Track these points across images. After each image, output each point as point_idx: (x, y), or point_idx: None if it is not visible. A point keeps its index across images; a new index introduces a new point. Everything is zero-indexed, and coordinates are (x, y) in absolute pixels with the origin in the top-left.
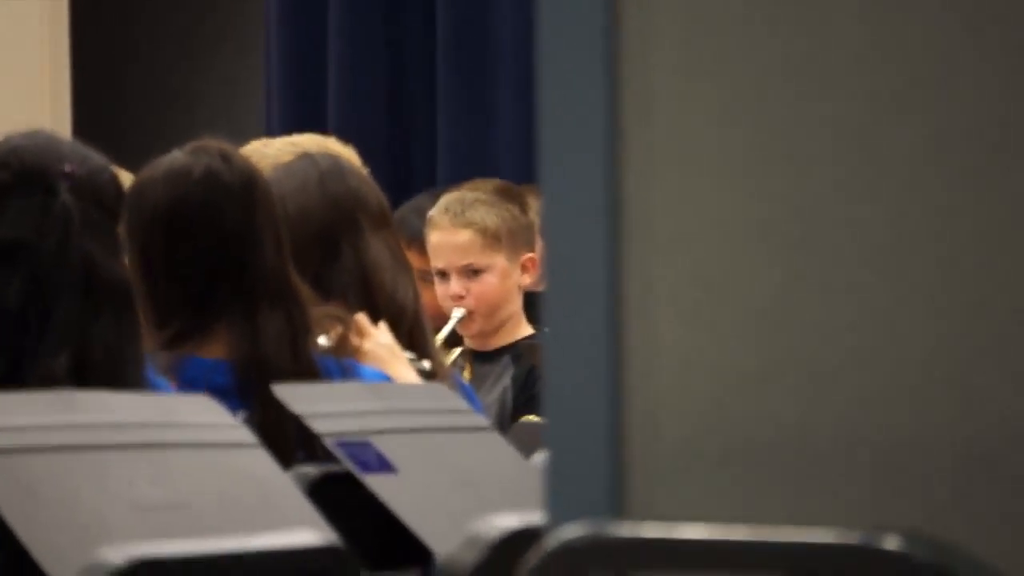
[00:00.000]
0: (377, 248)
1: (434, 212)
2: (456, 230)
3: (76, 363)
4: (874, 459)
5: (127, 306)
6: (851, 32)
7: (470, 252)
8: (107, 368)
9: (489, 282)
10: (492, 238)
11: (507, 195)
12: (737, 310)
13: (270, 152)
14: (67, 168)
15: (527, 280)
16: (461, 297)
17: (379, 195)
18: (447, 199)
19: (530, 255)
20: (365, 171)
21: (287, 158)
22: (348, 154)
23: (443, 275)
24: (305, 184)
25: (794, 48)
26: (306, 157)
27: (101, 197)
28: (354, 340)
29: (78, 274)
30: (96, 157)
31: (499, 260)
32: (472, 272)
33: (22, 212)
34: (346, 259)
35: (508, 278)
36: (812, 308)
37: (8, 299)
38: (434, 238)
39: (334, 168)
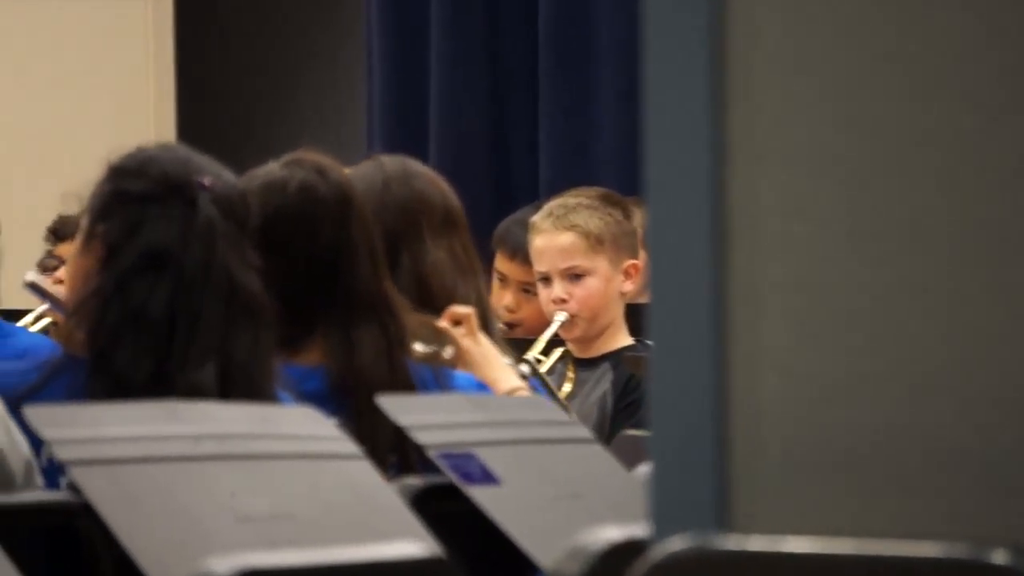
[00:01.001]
0: (437, 253)
1: (537, 217)
2: (559, 233)
3: (221, 376)
4: (980, 469)
5: (263, 319)
6: (964, 29)
7: (573, 255)
8: (247, 381)
9: (591, 286)
10: (595, 241)
11: (610, 201)
12: (843, 317)
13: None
14: (207, 181)
15: (629, 287)
16: (563, 301)
17: (447, 198)
18: (550, 204)
19: (632, 262)
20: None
21: None
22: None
23: (546, 280)
24: (370, 189)
25: (903, 47)
26: (375, 162)
27: (236, 211)
28: (450, 350)
29: (221, 286)
30: (228, 172)
31: (601, 264)
32: (574, 276)
33: (165, 222)
34: (404, 264)
35: (610, 283)
36: (919, 315)
37: (153, 307)
38: (537, 242)
39: (400, 173)
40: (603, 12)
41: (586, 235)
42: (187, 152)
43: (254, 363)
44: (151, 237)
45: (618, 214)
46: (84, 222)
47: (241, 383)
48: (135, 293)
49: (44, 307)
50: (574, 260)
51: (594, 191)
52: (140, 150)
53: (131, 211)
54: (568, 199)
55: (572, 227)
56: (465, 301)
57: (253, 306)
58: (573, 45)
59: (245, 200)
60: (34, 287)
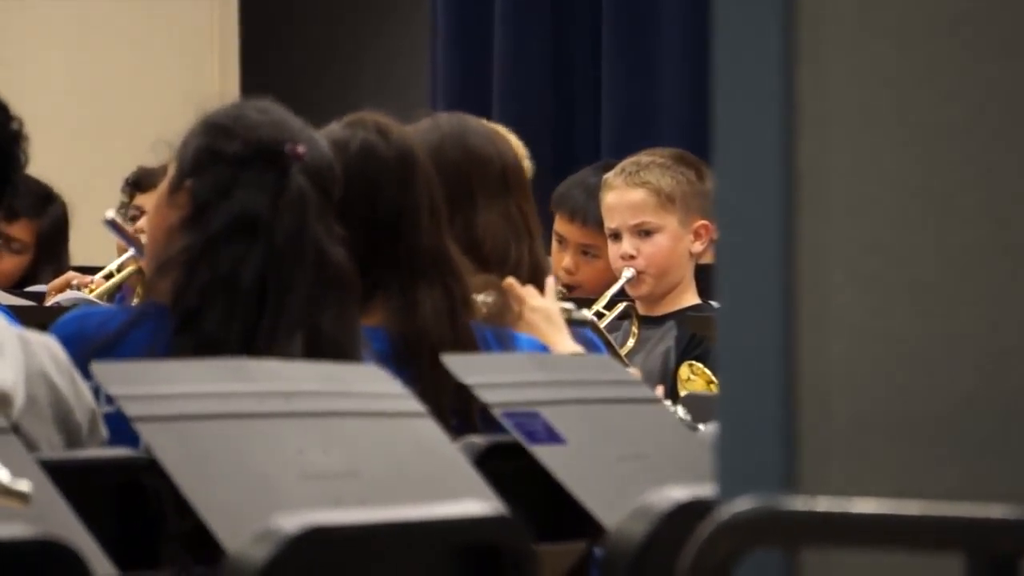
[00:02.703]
0: (491, 215)
1: (609, 175)
2: (630, 189)
3: (308, 345)
4: None
5: (351, 291)
6: None
7: (643, 211)
8: (335, 351)
9: (660, 243)
10: (666, 199)
11: (684, 161)
12: (913, 280)
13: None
14: (299, 149)
15: (699, 247)
16: (632, 257)
17: (505, 158)
18: (623, 163)
19: (703, 222)
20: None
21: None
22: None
23: (616, 236)
24: (424, 149)
25: (974, 10)
26: (431, 121)
27: (325, 182)
28: (514, 308)
29: (310, 258)
30: (319, 140)
31: (671, 222)
32: (644, 232)
33: (257, 188)
34: (456, 226)
35: (680, 242)
36: (990, 279)
37: (244, 275)
38: (609, 198)
39: (456, 132)
40: None
41: (657, 192)
42: (282, 115)
43: (342, 336)
44: (243, 202)
45: (691, 174)
46: (172, 170)
47: (329, 356)
48: (225, 258)
49: (124, 257)
50: (644, 216)
51: (668, 151)
52: (237, 106)
53: (223, 172)
54: (642, 157)
55: (643, 184)
56: (518, 263)
57: (341, 278)
58: (638, 6)
59: (333, 170)
60: (113, 224)
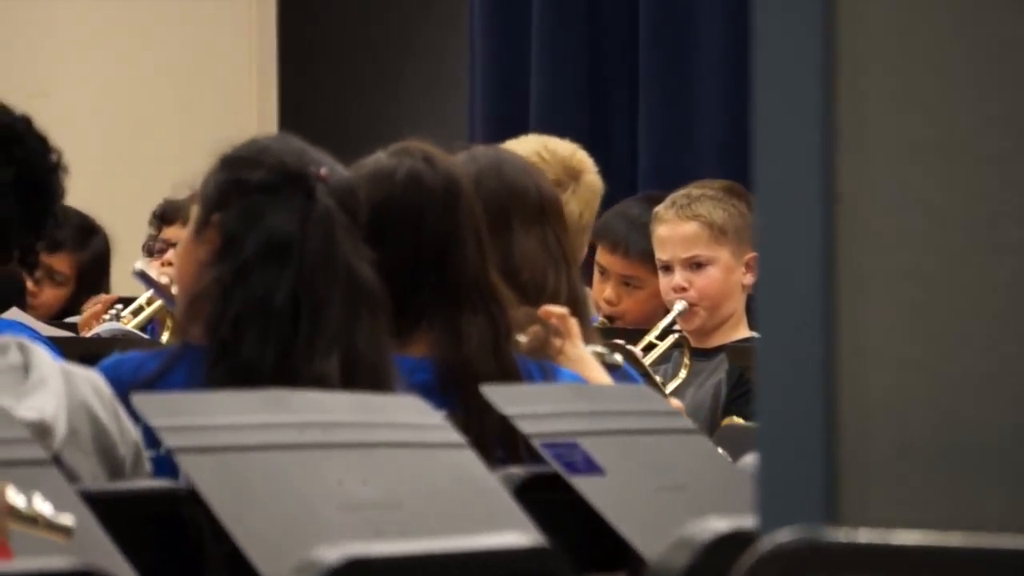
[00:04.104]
0: (529, 244)
1: (661, 207)
2: (682, 222)
3: (343, 366)
4: None
5: (381, 310)
6: None
7: (695, 244)
8: (370, 372)
9: (712, 276)
10: (718, 232)
11: (735, 193)
12: (954, 309)
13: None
14: (323, 172)
15: (750, 279)
16: (684, 289)
17: (542, 189)
18: (674, 195)
19: (755, 254)
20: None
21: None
22: (588, 166)
23: (667, 269)
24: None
25: (1017, 33)
26: (469, 154)
27: (349, 203)
28: (555, 342)
29: (341, 277)
30: (339, 165)
31: (723, 255)
32: (696, 265)
33: (285, 212)
34: (495, 255)
35: (731, 274)
36: None
37: (277, 297)
38: (660, 231)
39: (492, 164)
40: (706, 4)
41: (709, 225)
42: (300, 143)
43: (376, 354)
44: (272, 227)
45: (742, 206)
46: (196, 211)
47: (364, 374)
48: (257, 283)
49: (151, 293)
50: (696, 249)
51: (719, 183)
52: (254, 140)
53: (250, 200)
54: (692, 190)
55: (695, 217)
56: (556, 292)
57: (371, 297)
58: (675, 35)
59: (357, 193)
60: (143, 276)
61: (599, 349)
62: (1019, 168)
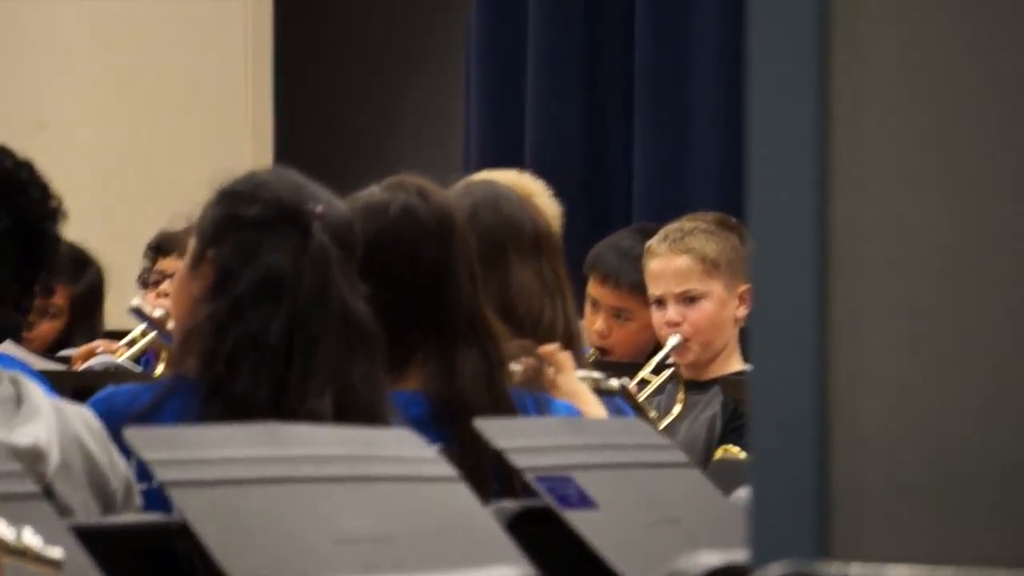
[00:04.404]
0: (525, 276)
1: (653, 241)
2: (675, 256)
3: (338, 403)
4: None
5: (376, 347)
6: None
7: (688, 278)
8: (365, 409)
9: (706, 309)
10: (711, 265)
11: (727, 226)
12: (948, 343)
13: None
14: (320, 208)
15: (743, 312)
16: (677, 324)
17: (537, 223)
18: (667, 228)
19: (748, 287)
20: (550, 203)
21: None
22: (536, 189)
23: (660, 303)
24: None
25: (1012, 67)
26: (464, 187)
27: (346, 239)
28: (548, 374)
29: (336, 314)
30: (336, 200)
31: (716, 288)
32: (689, 299)
33: (280, 249)
34: (490, 288)
35: (725, 308)
36: None
37: (271, 333)
38: (653, 265)
39: (488, 198)
40: (700, 33)
41: (702, 259)
42: (298, 178)
43: (370, 391)
44: (267, 263)
45: (734, 239)
46: (192, 245)
47: (358, 411)
48: (252, 319)
49: (144, 325)
50: (689, 283)
51: (711, 216)
52: (252, 174)
53: (245, 236)
54: (685, 223)
55: (688, 251)
56: (552, 325)
57: (366, 334)
58: (671, 65)
59: (353, 229)
60: (138, 312)
61: (594, 375)
62: (1014, 199)
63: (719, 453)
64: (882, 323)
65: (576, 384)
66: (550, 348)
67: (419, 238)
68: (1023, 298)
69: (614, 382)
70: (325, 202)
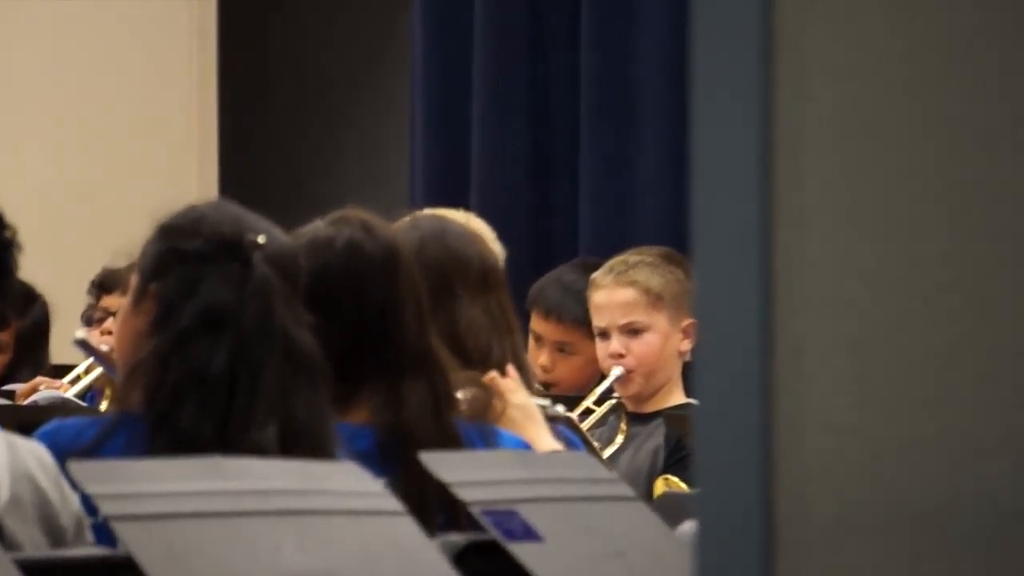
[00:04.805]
0: (473, 311)
1: (598, 274)
2: (619, 288)
3: (282, 433)
4: None
5: (320, 378)
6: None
7: (632, 311)
8: (309, 439)
9: (650, 342)
10: (655, 298)
11: (671, 260)
12: (891, 378)
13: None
14: (260, 240)
15: (687, 345)
16: (621, 356)
17: (485, 258)
18: (612, 261)
19: (692, 321)
20: (495, 246)
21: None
22: (482, 230)
23: (604, 335)
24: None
25: (953, 102)
26: (411, 222)
27: (288, 270)
28: (496, 405)
29: (279, 345)
30: (277, 231)
31: (660, 321)
32: (633, 331)
33: (221, 281)
34: (439, 322)
35: (669, 341)
36: (970, 378)
37: (214, 366)
38: (597, 298)
39: (436, 232)
40: (646, 70)
41: (646, 291)
42: (237, 210)
43: (315, 422)
44: (209, 296)
45: (679, 273)
46: (134, 281)
47: (303, 442)
48: (195, 352)
49: (91, 361)
50: (633, 316)
51: (656, 249)
52: (191, 208)
53: (186, 270)
54: (630, 256)
55: (632, 283)
56: (500, 359)
57: (310, 364)
58: (615, 105)
59: (296, 259)
60: (84, 345)
61: (541, 401)
62: (955, 238)
63: (659, 483)
64: (825, 359)
65: (524, 408)
66: (492, 375)
67: (365, 273)
68: (966, 334)
69: (560, 408)
70: (266, 233)
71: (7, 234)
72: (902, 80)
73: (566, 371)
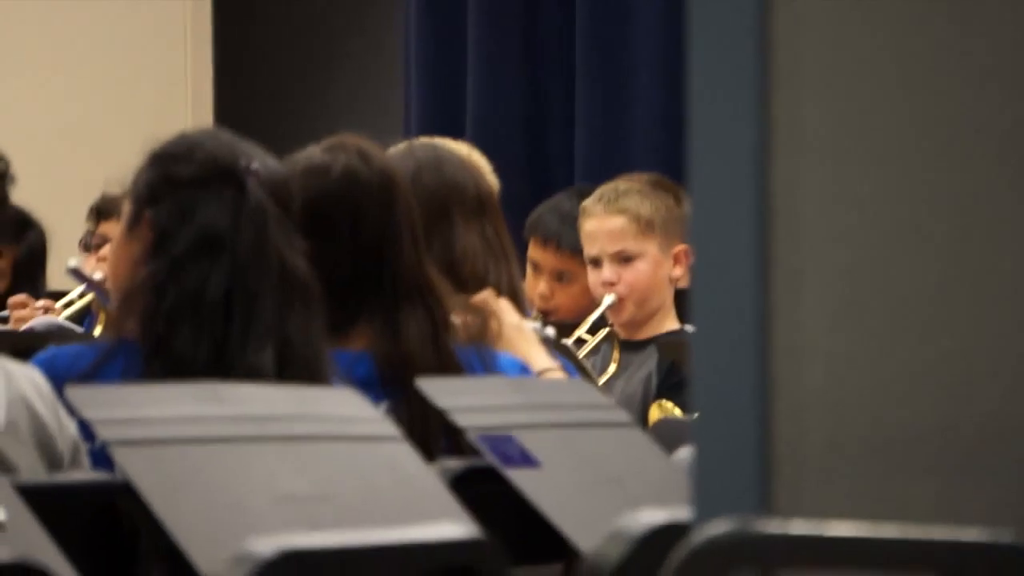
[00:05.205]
0: (469, 237)
1: (588, 202)
2: (609, 216)
3: (278, 358)
4: (1022, 457)
5: (314, 303)
6: (1003, 27)
7: (623, 238)
8: (304, 363)
9: (641, 269)
10: (645, 225)
11: (662, 186)
12: (886, 307)
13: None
14: (253, 166)
15: (678, 272)
16: (612, 284)
17: (480, 184)
18: (602, 189)
19: (683, 247)
20: (491, 178)
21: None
22: (478, 163)
23: (596, 263)
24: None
25: (951, 33)
26: (406, 149)
27: (281, 195)
28: (492, 326)
29: (274, 269)
30: (269, 157)
31: (651, 248)
32: (624, 259)
33: (217, 206)
34: (435, 249)
35: (660, 267)
36: (962, 306)
37: (210, 290)
38: (588, 226)
39: (431, 159)
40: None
41: (636, 219)
42: (230, 137)
43: (309, 345)
44: (204, 221)
45: (669, 199)
46: (127, 208)
47: (298, 366)
48: (191, 277)
49: (83, 287)
50: (624, 243)
51: (646, 176)
52: (183, 136)
53: (182, 196)
54: (619, 184)
55: (623, 211)
56: (496, 286)
57: (305, 289)
58: (610, 29)
59: (288, 185)
60: (77, 273)
61: (533, 324)
62: (950, 166)
63: (654, 408)
64: (821, 287)
65: (517, 329)
66: (485, 295)
67: (361, 200)
68: (958, 264)
69: (550, 330)
70: (259, 159)
71: (1, 165)
72: (899, 8)
73: (564, 299)
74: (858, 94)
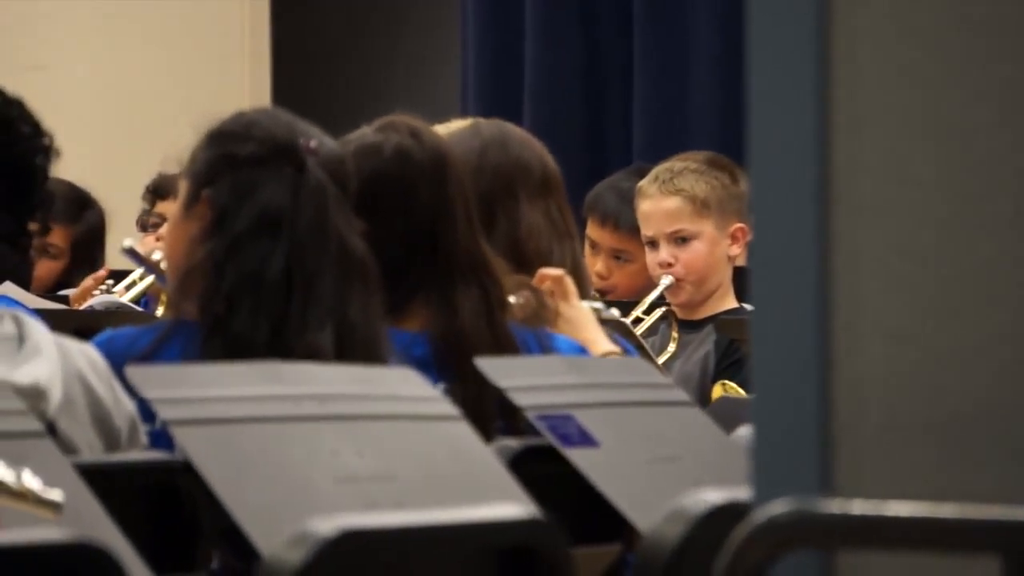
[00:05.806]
0: (534, 216)
1: (644, 182)
2: (665, 197)
3: (337, 338)
4: None
5: (373, 283)
6: None
7: (679, 219)
8: (362, 343)
9: (697, 250)
10: (701, 205)
11: (717, 165)
12: (948, 283)
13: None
14: (312, 144)
15: (736, 250)
16: (670, 265)
17: (545, 162)
18: (657, 169)
19: (739, 225)
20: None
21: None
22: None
23: (653, 244)
24: (467, 153)
25: (1012, 9)
26: (473, 127)
27: (340, 175)
28: (550, 308)
29: (333, 248)
30: (327, 137)
31: (708, 228)
32: (680, 240)
33: (276, 184)
34: (500, 227)
35: (717, 246)
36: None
37: (270, 269)
38: (644, 207)
39: (497, 137)
40: None
41: (692, 199)
42: (288, 116)
43: (369, 325)
44: (264, 200)
45: (725, 178)
46: (185, 187)
47: (357, 345)
48: (250, 257)
49: (141, 269)
50: (680, 224)
51: (701, 155)
52: (241, 114)
53: (241, 174)
54: (675, 163)
55: (678, 191)
56: (560, 264)
57: (363, 270)
58: (671, 10)
59: (346, 164)
60: (132, 253)
61: (596, 304)
62: (1010, 143)
63: (717, 389)
64: (881, 266)
65: (580, 310)
66: (554, 272)
67: (414, 179)
68: (1017, 242)
69: (614, 311)
70: (317, 138)
71: (44, 141)
72: None
73: (622, 278)
74: (917, 72)
